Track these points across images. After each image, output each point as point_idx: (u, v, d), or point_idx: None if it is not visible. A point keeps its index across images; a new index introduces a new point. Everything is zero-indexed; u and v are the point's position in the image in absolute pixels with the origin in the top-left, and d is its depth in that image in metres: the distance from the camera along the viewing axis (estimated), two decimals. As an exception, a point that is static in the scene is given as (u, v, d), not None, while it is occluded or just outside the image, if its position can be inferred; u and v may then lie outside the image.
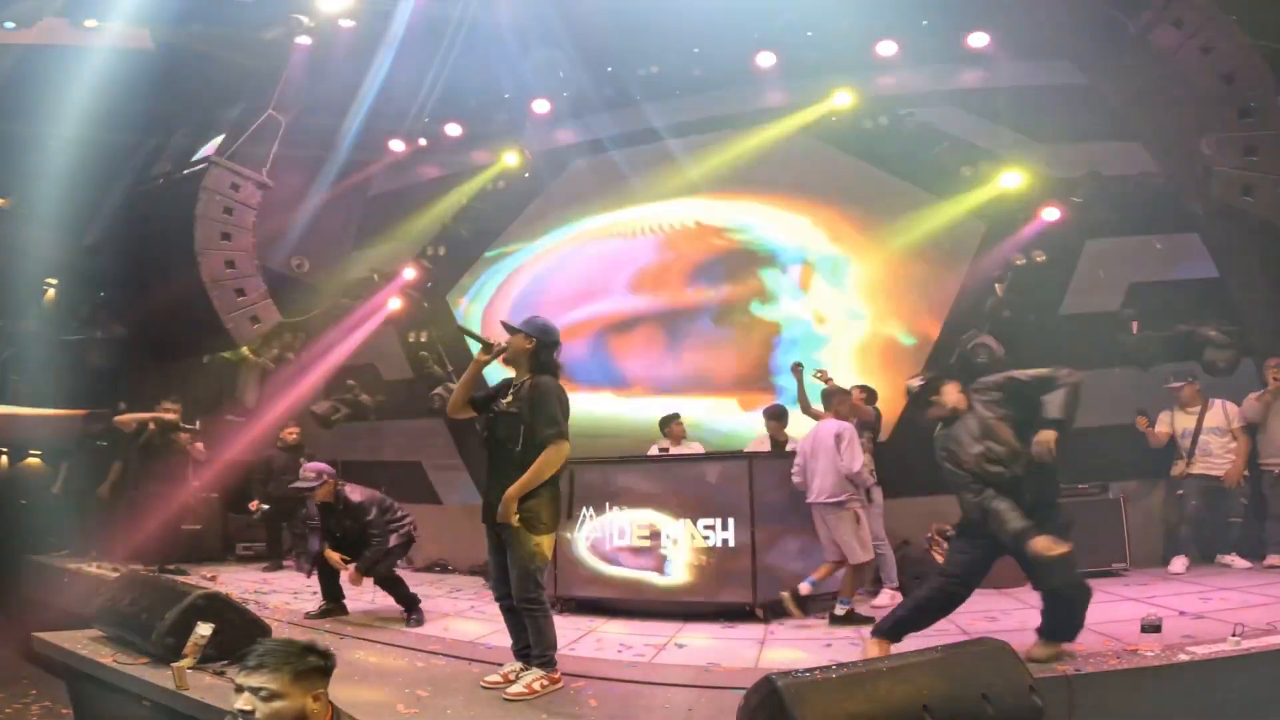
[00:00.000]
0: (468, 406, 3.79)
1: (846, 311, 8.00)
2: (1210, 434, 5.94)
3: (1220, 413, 5.97)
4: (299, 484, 5.21)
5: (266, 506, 7.68)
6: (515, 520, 3.48)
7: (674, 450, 6.61)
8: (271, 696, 1.99)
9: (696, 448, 6.72)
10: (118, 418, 7.40)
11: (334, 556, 5.15)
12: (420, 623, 5.12)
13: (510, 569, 3.61)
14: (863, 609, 5.11)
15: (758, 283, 8.29)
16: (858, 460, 4.99)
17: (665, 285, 8.64)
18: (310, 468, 5.28)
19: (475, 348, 3.80)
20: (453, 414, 3.89)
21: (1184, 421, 6.07)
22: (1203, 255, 6.89)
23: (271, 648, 2.11)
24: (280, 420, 8.60)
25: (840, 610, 4.91)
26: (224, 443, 8.25)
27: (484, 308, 9.44)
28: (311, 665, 2.07)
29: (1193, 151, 6.47)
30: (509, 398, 3.68)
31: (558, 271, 9.16)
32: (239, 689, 2.05)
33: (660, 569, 5.38)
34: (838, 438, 5.03)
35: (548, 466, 3.52)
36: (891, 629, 3.75)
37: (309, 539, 5.49)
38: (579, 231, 9.23)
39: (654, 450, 6.67)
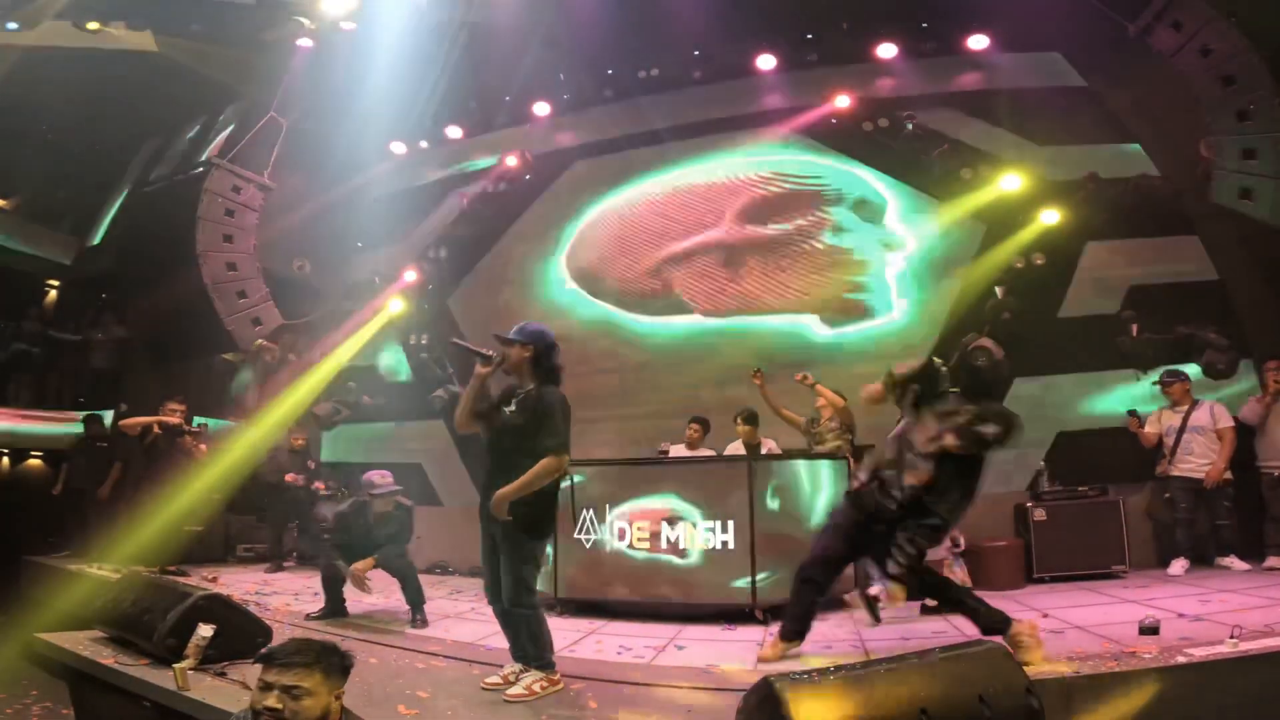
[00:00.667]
0: (475, 420, 3.77)
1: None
2: (1194, 433, 5.93)
3: (1207, 413, 5.96)
4: (379, 490, 5.31)
5: (302, 478, 7.68)
6: (506, 517, 3.49)
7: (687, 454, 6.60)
8: (303, 695, 2.03)
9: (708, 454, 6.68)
10: (123, 422, 7.41)
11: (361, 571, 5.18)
12: (424, 624, 5.14)
13: (503, 573, 3.61)
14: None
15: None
16: None
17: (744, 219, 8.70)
18: (382, 475, 5.42)
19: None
20: (461, 429, 3.83)
21: (1170, 419, 6.07)
22: (1202, 257, 6.90)
23: (301, 647, 2.13)
24: (282, 422, 8.62)
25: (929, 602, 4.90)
26: (225, 444, 8.26)
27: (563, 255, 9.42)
28: (337, 665, 2.10)
29: (1192, 154, 6.50)
30: (512, 406, 3.67)
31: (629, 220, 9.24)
32: (266, 686, 2.06)
33: (672, 566, 5.37)
34: None
35: (542, 476, 3.51)
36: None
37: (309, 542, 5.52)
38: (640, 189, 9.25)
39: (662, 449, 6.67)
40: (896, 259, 7.99)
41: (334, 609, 5.37)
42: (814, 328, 8.15)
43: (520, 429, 3.58)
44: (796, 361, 7.37)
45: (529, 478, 3.49)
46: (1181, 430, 5.98)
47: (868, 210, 8.21)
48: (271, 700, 2.03)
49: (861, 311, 7.99)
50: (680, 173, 9.00)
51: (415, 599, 5.26)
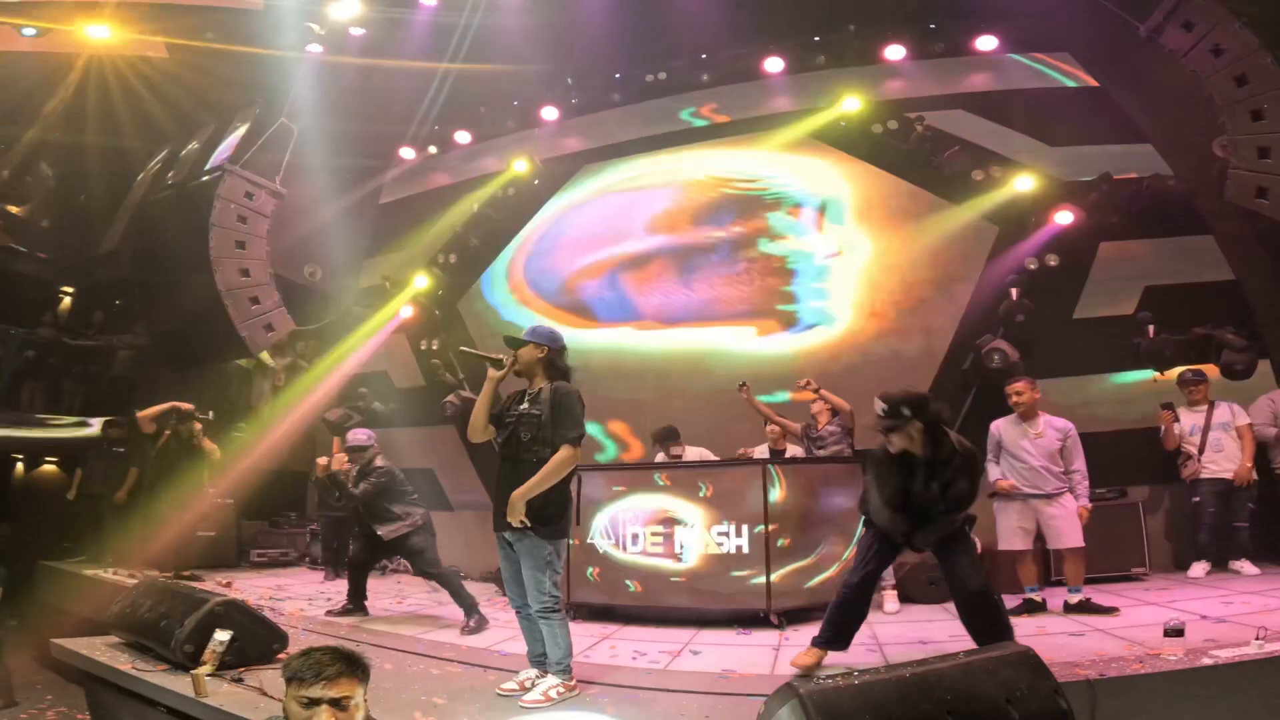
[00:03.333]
0: (489, 426, 3.77)
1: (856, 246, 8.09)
2: (1221, 431, 5.89)
3: (1228, 411, 5.92)
4: (352, 444, 5.76)
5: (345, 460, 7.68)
6: (522, 520, 3.48)
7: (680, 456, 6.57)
8: (349, 704, 2.05)
9: (703, 453, 6.67)
10: (140, 413, 7.44)
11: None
12: (478, 629, 5.19)
13: (525, 578, 3.61)
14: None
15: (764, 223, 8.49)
16: None
17: (677, 227, 8.84)
18: (360, 431, 5.91)
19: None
20: (475, 438, 3.80)
21: (1191, 419, 6.00)
22: (1218, 257, 6.84)
23: (334, 657, 2.10)
24: (295, 428, 8.65)
25: (1073, 599, 4.89)
26: (238, 450, 8.30)
27: (506, 267, 9.62)
28: (364, 670, 2.12)
29: (1205, 153, 6.46)
30: (526, 404, 3.70)
31: (575, 220, 9.40)
32: (312, 702, 2.03)
33: (685, 570, 5.36)
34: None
35: (559, 468, 3.53)
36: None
37: (325, 542, 5.56)
38: (595, 185, 9.39)
39: (661, 458, 6.64)
40: (833, 263, 8.04)
41: (355, 603, 5.62)
42: (746, 339, 8.19)
43: (538, 422, 3.60)
44: (733, 372, 7.48)
45: (546, 471, 3.51)
46: (1206, 429, 5.91)
47: (805, 215, 8.27)
48: (325, 716, 2.01)
49: (794, 321, 8.06)
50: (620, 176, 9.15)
51: (465, 603, 5.35)
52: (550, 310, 9.04)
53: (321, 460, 6.16)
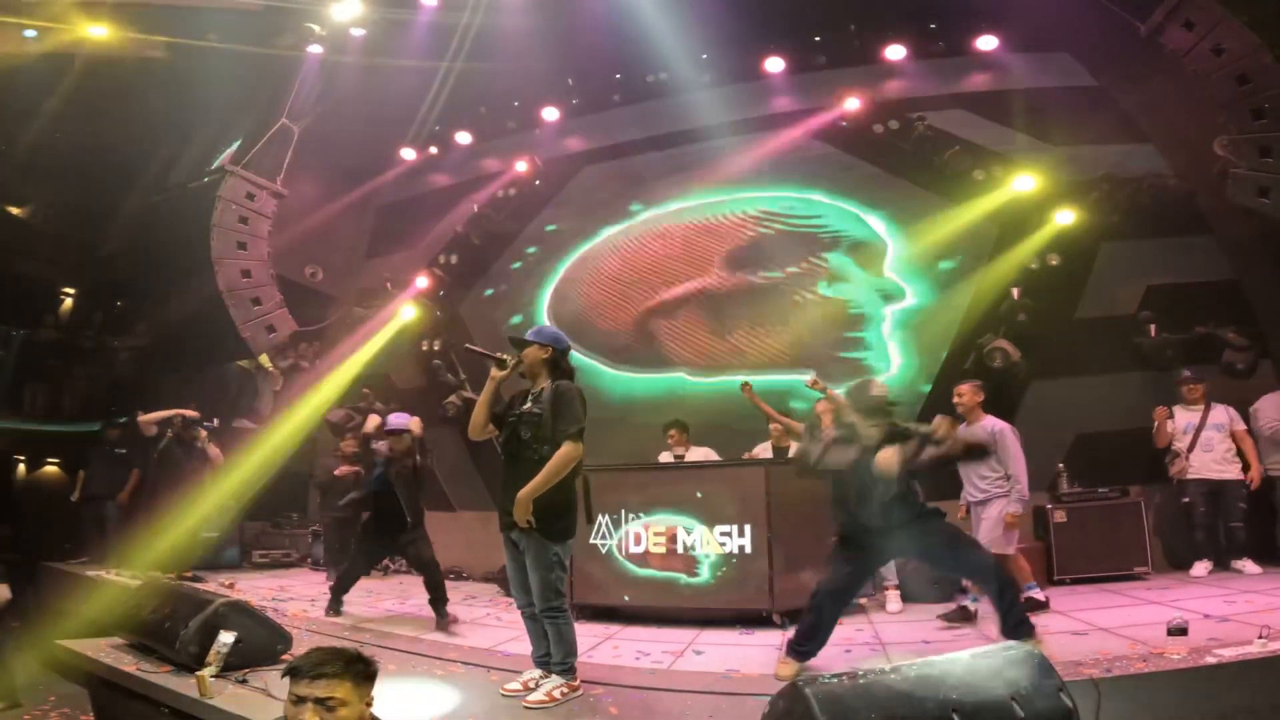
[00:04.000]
0: (489, 425, 3.80)
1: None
2: (1214, 430, 5.90)
3: (1224, 413, 5.94)
4: (394, 428, 5.71)
5: (358, 468, 7.67)
6: (529, 521, 3.48)
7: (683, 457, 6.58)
8: (337, 705, 2.03)
9: (707, 453, 6.67)
10: (141, 417, 7.43)
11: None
12: (445, 626, 5.24)
13: (531, 577, 3.61)
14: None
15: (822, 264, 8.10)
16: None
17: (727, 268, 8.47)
18: (401, 416, 5.88)
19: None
20: (475, 435, 3.85)
21: (1186, 418, 6.02)
22: (1219, 257, 6.85)
23: (328, 657, 2.11)
24: (297, 428, 8.65)
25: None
26: (240, 450, 8.29)
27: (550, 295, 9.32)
28: (364, 672, 2.10)
29: (1206, 153, 6.46)
30: (528, 404, 3.72)
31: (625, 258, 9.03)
32: (299, 699, 2.05)
33: (689, 571, 5.36)
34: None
35: (562, 465, 3.53)
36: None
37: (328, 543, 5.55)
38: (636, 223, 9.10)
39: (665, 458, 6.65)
40: (893, 310, 7.73)
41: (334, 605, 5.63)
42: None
43: (540, 419, 3.61)
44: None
45: (550, 468, 3.51)
46: (1200, 428, 5.93)
47: (865, 255, 7.89)
48: (308, 714, 2.02)
49: (859, 370, 7.55)
50: (666, 211, 8.81)
51: (437, 590, 5.39)
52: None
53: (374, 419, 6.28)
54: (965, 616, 4.83)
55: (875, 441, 3.78)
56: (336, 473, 7.70)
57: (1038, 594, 4.99)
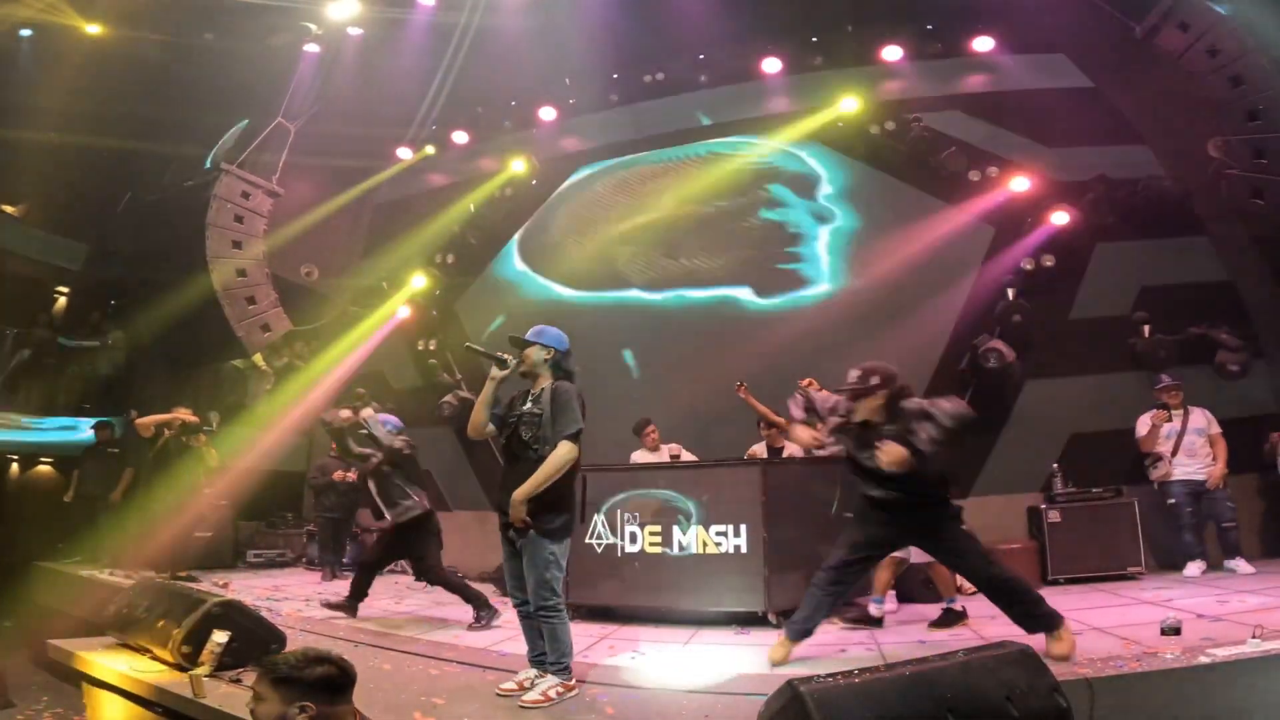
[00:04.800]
0: (489, 425, 3.79)
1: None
2: (1195, 435, 5.94)
3: (1202, 417, 5.98)
4: (390, 433, 5.50)
5: (353, 477, 7.66)
6: (524, 519, 3.48)
7: (652, 456, 6.60)
8: (258, 699, 2.10)
9: (675, 449, 6.68)
10: (138, 420, 7.40)
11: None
12: (488, 624, 5.24)
13: (527, 576, 3.61)
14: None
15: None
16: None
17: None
18: (387, 418, 5.66)
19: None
20: (475, 435, 3.84)
21: (1168, 424, 6.02)
22: (1213, 258, 6.88)
23: (283, 655, 2.16)
24: (292, 429, 8.63)
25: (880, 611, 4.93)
26: (235, 451, 8.28)
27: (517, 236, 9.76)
28: (303, 676, 2.09)
29: (1201, 154, 6.48)
30: (528, 404, 3.71)
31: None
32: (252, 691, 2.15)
33: (683, 569, 5.36)
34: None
35: (558, 465, 3.53)
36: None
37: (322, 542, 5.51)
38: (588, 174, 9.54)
39: (637, 456, 6.67)
40: (826, 231, 8.24)
41: (352, 601, 5.52)
42: (748, 298, 8.37)
43: (539, 420, 3.61)
44: (731, 331, 7.99)
45: (546, 468, 3.51)
46: (1182, 432, 5.96)
47: (800, 184, 8.45)
48: (250, 703, 2.15)
49: (795, 281, 8.20)
50: (626, 159, 9.32)
51: (474, 601, 5.39)
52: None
53: (345, 412, 6.16)
54: (866, 619, 4.89)
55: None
56: (334, 476, 7.69)
57: (956, 605, 4.86)
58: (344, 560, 8.05)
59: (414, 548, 5.67)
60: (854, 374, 3.95)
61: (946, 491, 3.97)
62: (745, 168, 8.69)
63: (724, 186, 8.72)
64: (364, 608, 5.59)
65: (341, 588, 5.90)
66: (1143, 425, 6.11)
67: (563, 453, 3.55)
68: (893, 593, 5.56)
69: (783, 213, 8.49)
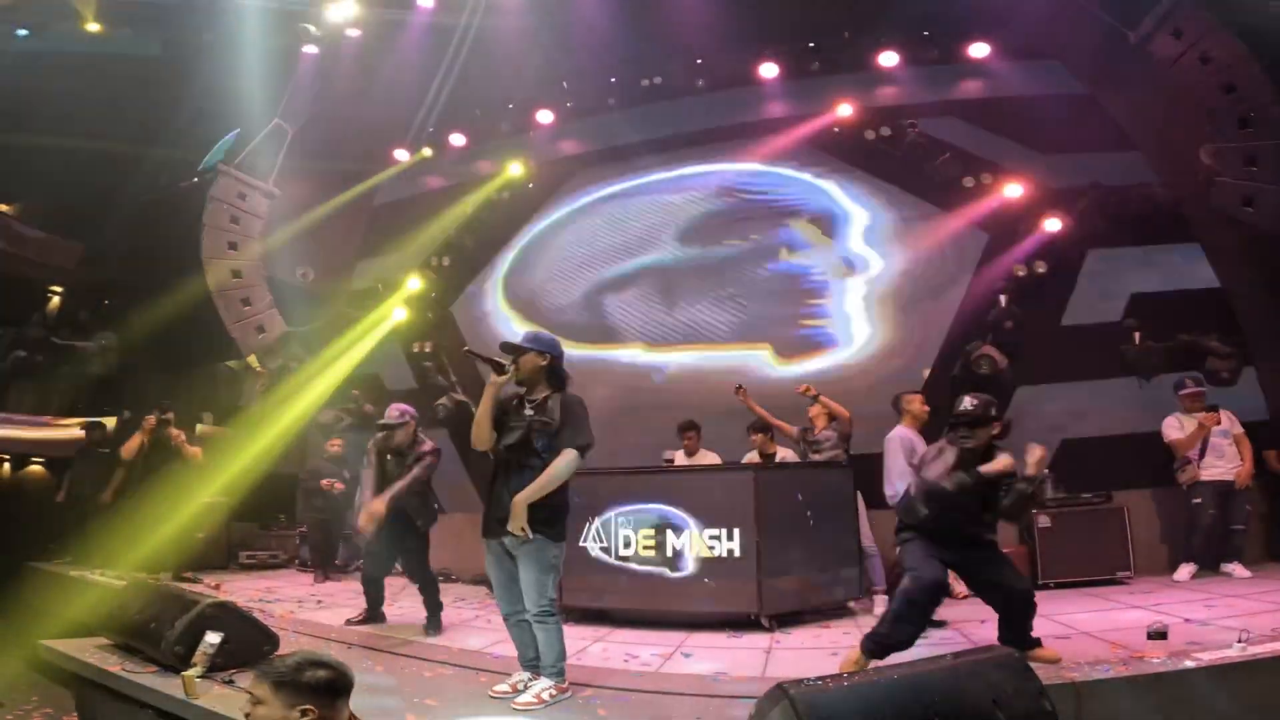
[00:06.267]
0: (492, 432, 3.70)
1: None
2: (1220, 437, 5.92)
3: (1226, 419, 5.97)
4: (385, 421, 5.23)
5: (341, 486, 7.63)
6: (524, 530, 3.45)
7: (688, 461, 6.59)
8: (255, 702, 2.07)
9: (713, 459, 6.67)
10: (123, 449, 7.33)
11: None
12: (438, 632, 5.15)
13: (525, 579, 3.58)
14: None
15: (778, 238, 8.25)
16: (893, 471, 5.06)
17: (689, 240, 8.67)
18: (396, 407, 5.35)
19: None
20: (480, 446, 3.71)
21: (1192, 425, 6.01)
22: (1204, 265, 6.93)
23: (280, 658, 2.16)
24: (286, 430, 8.61)
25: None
26: (227, 451, 8.25)
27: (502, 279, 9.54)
28: (304, 680, 2.09)
29: (1193, 161, 6.53)
30: (530, 410, 3.64)
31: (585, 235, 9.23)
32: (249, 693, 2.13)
33: (677, 574, 5.37)
34: (887, 443, 5.21)
35: (562, 474, 3.53)
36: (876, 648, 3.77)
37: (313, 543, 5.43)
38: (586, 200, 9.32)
39: (669, 456, 6.67)
40: (858, 283, 7.84)
41: (374, 611, 5.43)
42: (767, 361, 7.96)
43: (549, 429, 3.58)
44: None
45: (551, 475, 3.50)
46: (1208, 436, 5.94)
47: (826, 227, 8.04)
48: (246, 705, 2.11)
49: (815, 345, 7.80)
50: (617, 189, 8.99)
51: (433, 607, 5.27)
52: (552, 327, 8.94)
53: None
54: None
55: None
56: (322, 484, 7.69)
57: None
58: (335, 562, 8.05)
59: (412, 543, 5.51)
60: (970, 403, 3.86)
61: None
62: (758, 205, 8.25)
63: (734, 226, 8.27)
64: (354, 611, 5.59)
65: (333, 589, 5.88)
66: (1172, 428, 6.03)
67: (567, 461, 3.53)
68: (886, 598, 5.60)
69: (804, 260, 7.99)
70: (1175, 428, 6.04)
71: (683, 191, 8.77)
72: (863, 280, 7.86)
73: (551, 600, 3.59)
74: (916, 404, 5.36)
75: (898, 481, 5.05)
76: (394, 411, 5.27)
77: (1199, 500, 5.87)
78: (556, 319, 8.70)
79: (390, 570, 5.60)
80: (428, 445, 5.31)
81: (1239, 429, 5.95)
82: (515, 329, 8.88)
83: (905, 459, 5.08)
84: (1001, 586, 3.80)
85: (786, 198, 8.26)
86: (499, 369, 3.65)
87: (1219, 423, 5.94)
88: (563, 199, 9.38)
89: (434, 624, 5.22)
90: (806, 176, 8.27)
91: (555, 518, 3.58)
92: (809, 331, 7.91)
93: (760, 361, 7.96)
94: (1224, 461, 5.89)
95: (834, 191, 8.15)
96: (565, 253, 9.18)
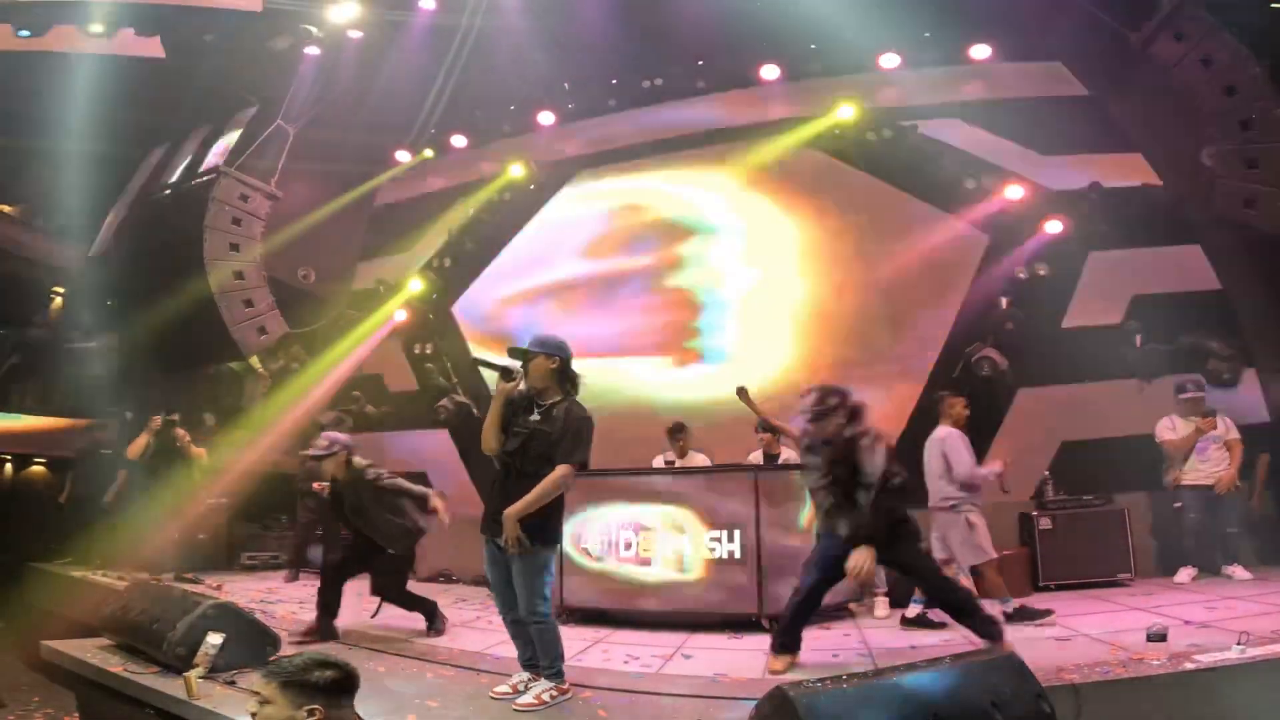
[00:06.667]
0: (500, 436, 3.67)
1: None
2: (1210, 441, 5.91)
3: (1222, 423, 5.95)
4: (310, 451, 5.05)
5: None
6: (516, 544, 3.44)
7: (679, 464, 6.60)
8: (263, 702, 2.10)
9: (702, 459, 6.70)
10: (128, 450, 7.31)
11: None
12: (440, 631, 5.11)
13: (517, 582, 3.59)
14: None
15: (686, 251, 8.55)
16: (963, 466, 5.01)
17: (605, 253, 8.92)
18: (326, 436, 5.10)
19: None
20: (488, 451, 3.69)
21: (1187, 429, 6.03)
22: (1205, 267, 6.91)
23: (287, 658, 2.17)
24: (287, 431, 8.63)
25: (1009, 609, 4.88)
26: (230, 453, 8.27)
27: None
28: (311, 680, 2.11)
29: (1194, 163, 6.53)
30: (537, 416, 3.62)
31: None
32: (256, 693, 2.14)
33: (678, 575, 5.38)
34: (939, 444, 5.14)
35: (555, 488, 3.49)
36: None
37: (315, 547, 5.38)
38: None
39: (659, 461, 6.66)
40: (736, 294, 8.12)
41: (324, 621, 4.96)
42: (655, 371, 8.20)
43: (548, 438, 3.55)
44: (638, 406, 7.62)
45: (543, 489, 3.48)
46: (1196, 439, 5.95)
47: (711, 244, 8.35)
48: (252, 705, 2.15)
49: (698, 356, 8.11)
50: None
51: (427, 613, 5.19)
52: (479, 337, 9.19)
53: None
54: (926, 623, 4.90)
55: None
56: (315, 486, 7.66)
57: (1008, 607, 4.87)
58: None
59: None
60: (810, 398, 4.07)
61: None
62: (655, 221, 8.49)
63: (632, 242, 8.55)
64: (358, 610, 5.58)
65: (295, 590, 5.72)
66: (1165, 430, 6.04)
67: (560, 475, 3.49)
68: (886, 599, 5.60)
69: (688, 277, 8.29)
70: (1169, 429, 6.06)
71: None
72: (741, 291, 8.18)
73: (545, 602, 3.58)
74: (958, 407, 5.33)
75: (938, 481, 5.07)
76: (323, 441, 5.05)
77: (1179, 504, 5.92)
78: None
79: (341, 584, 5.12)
80: (370, 474, 4.99)
81: (1233, 435, 5.91)
82: (523, 327, 8.88)
83: (939, 461, 5.09)
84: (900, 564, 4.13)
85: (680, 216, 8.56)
86: (507, 375, 3.62)
87: (1215, 428, 5.93)
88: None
89: (433, 625, 5.16)
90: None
91: (547, 523, 3.56)
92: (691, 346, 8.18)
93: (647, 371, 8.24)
94: (1207, 466, 5.88)
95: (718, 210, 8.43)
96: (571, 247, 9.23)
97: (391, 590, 5.19)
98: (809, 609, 4.18)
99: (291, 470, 8.40)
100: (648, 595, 5.42)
